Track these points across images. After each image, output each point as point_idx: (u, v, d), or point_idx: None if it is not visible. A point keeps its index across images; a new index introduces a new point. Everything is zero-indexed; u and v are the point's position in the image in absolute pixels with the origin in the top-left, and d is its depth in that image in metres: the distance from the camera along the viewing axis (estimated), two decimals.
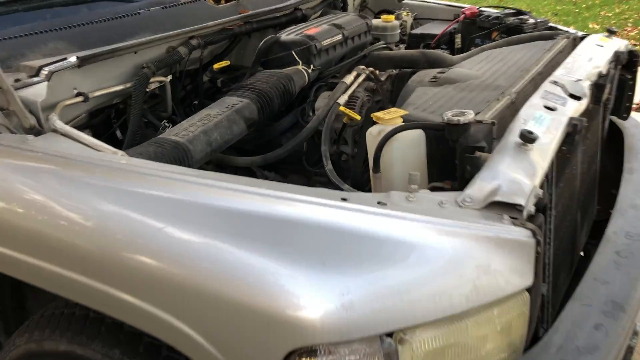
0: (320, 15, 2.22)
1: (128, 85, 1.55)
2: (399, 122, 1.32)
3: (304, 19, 2.09)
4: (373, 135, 1.33)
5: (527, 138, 1.14)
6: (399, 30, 2.22)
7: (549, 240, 1.31)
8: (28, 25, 1.50)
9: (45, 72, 1.35)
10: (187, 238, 1.02)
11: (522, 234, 1.01)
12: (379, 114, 1.33)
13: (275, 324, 0.93)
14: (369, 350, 0.93)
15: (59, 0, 1.60)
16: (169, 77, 1.64)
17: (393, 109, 1.36)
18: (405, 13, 2.42)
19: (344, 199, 1.06)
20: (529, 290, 1.04)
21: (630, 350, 1.45)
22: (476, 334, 1.00)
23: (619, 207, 1.63)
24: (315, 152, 1.63)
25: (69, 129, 1.28)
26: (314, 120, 1.55)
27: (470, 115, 1.20)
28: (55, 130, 1.27)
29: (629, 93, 2.12)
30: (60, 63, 1.38)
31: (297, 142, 1.54)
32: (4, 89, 1.25)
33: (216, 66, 1.77)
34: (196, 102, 1.79)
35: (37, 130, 1.27)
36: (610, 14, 8.17)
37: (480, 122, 1.23)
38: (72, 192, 1.13)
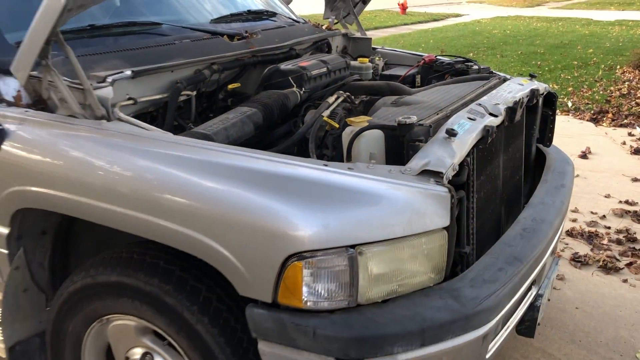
0: (310, 55, 2.78)
1: (165, 95, 2.07)
2: (365, 125, 1.84)
3: (297, 56, 2.65)
4: (347, 134, 1.85)
5: (450, 133, 1.68)
6: (372, 71, 2.78)
7: (472, 215, 1.83)
8: (95, 47, 2.01)
9: (109, 80, 1.86)
10: (217, 185, 1.51)
11: (442, 190, 1.53)
12: (352, 118, 1.86)
13: (278, 239, 1.42)
14: (338, 256, 1.43)
15: (118, 31, 2.13)
16: (194, 92, 2.16)
17: (362, 116, 1.89)
18: (377, 58, 2.99)
19: (325, 164, 1.57)
20: (446, 229, 1.54)
21: (535, 299, 1.95)
22: (409, 253, 1.50)
23: (532, 202, 2.17)
24: (303, 155, 2.14)
25: (129, 118, 1.79)
26: (304, 127, 2.07)
27: (414, 119, 1.74)
28: (119, 119, 1.77)
29: (550, 126, 2.69)
30: (120, 74, 1.90)
31: (290, 143, 2.05)
32: (85, 88, 1.75)
33: (230, 87, 2.30)
34: (212, 114, 2.30)
35: (107, 119, 1.77)
36: (569, 77, 8.96)
37: (421, 124, 1.77)
38: (136, 157, 1.62)
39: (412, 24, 18.16)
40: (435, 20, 18.80)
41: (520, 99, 2.12)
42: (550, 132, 2.69)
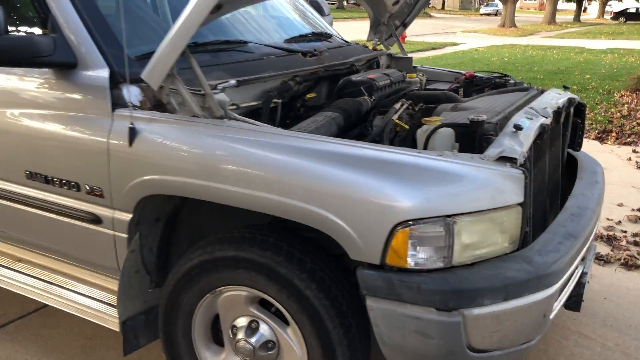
0: (366, 70, 3.15)
1: (259, 102, 2.39)
2: (439, 123, 2.18)
3: (357, 71, 3.00)
4: (422, 131, 2.18)
5: (517, 127, 2.01)
6: (419, 84, 3.13)
7: (530, 201, 2.15)
8: (198, 61, 2.35)
9: (220, 87, 2.18)
10: (333, 169, 1.83)
11: (517, 172, 1.85)
12: (427, 118, 2.20)
13: (388, 210, 1.73)
14: (437, 225, 1.74)
15: (214, 47, 2.47)
16: (280, 100, 2.49)
17: (435, 117, 2.22)
18: (421, 74, 3.34)
19: (418, 152, 1.90)
20: (520, 205, 1.86)
21: (581, 276, 2.26)
22: (492, 224, 1.81)
23: (574, 194, 2.49)
24: None
25: (242, 117, 2.11)
26: (377, 128, 2.40)
27: (484, 117, 2.07)
28: (235, 119, 2.10)
29: (580, 132, 3.04)
30: (227, 83, 2.23)
31: (368, 141, 2.38)
32: (206, 93, 2.08)
33: (308, 96, 2.63)
34: (288, 121, 2.63)
35: (224, 118, 2.09)
36: None
37: (490, 122, 2.11)
38: (258, 148, 1.94)
39: (412, 52, 18.72)
40: (433, 48, 19.36)
41: (562, 105, 2.46)
42: (579, 138, 3.03)
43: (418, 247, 1.75)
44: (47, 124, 2.32)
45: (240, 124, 2.07)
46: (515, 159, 1.88)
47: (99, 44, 2.25)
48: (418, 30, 27.82)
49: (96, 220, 2.29)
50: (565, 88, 2.88)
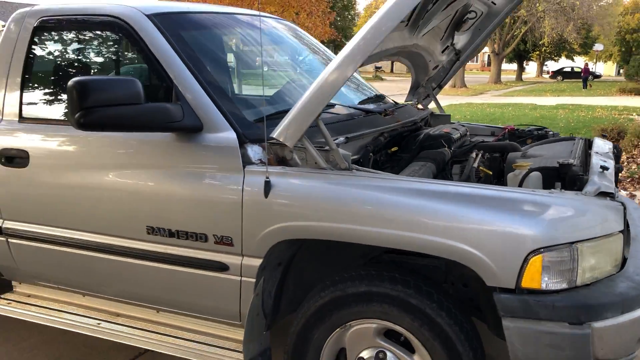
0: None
1: (358, 155, 2.69)
2: (528, 168, 2.51)
3: (420, 128, 3.35)
4: (513, 175, 2.51)
5: (604, 168, 2.37)
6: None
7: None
8: None
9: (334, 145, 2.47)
10: (464, 207, 2.12)
11: (617, 204, 2.18)
12: (517, 163, 2.53)
13: (522, 240, 2.02)
14: (564, 251, 2.04)
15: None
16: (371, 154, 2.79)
17: (524, 162, 2.56)
18: (465, 129, 3.72)
19: (533, 191, 2.21)
20: (621, 232, 2.19)
21: None
22: (604, 248, 2.13)
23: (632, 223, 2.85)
24: None
25: (363, 168, 2.40)
26: (463, 175, 2.71)
27: (572, 161, 2.42)
28: (357, 169, 2.38)
29: (618, 174, 3.44)
30: (340, 139, 2.52)
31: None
32: (332, 149, 2.37)
33: (392, 149, 2.94)
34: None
35: (348, 169, 2.36)
36: None
37: (576, 165, 2.46)
38: (389, 192, 2.22)
39: None
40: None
41: (613, 150, 2.85)
42: (617, 180, 3.43)
43: (549, 271, 2.04)
44: (172, 181, 2.54)
45: (364, 173, 2.35)
46: (613, 193, 2.22)
47: (222, 110, 2.53)
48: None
49: (222, 267, 2.49)
50: (604, 136, 3.28)
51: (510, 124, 3.67)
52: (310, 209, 2.30)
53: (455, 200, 2.16)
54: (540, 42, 41.91)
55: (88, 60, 3.02)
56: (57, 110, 2.95)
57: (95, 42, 2.99)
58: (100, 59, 3.01)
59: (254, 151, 2.47)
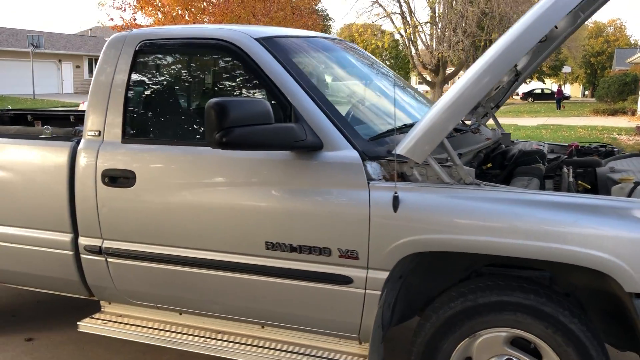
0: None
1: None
2: (632, 182, 2.66)
3: (499, 146, 3.50)
4: (620, 188, 2.65)
5: None
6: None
7: None
8: None
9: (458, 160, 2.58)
10: (602, 218, 2.24)
11: None
12: (622, 177, 2.67)
13: None
14: None
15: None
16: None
17: (626, 176, 2.71)
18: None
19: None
20: None
21: None
22: None
23: None
24: None
25: (486, 182, 2.51)
26: (563, 188, 2.84)
27: None
28: (480, 184, 2.49)
29: None
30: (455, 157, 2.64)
31: None
32: (456, 164, 2.48)
33: (486, 166, 3.07)
34: None
35: (473, 184, 2.47)
36: None
37: None
38: (515, 205, 2.33)
39: None
40: None
41: None
42: None
43: None
44: (293, 198, 2.62)
45: (493, 187, 2.46)
46: None
47: (339, 129, 2.63)
48: None
49: (346, 281, 2.57)
50: None
51: (574, 142, 3.83)
52: (442, 222, 2.40)
53: (587, 211, 2.28)
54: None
55: (194, 83, 3.10)
56: (164, 131, 3.02)
57: (202, 65, 3.07)
58: (207, 82, 3.09)
59: (373, 168, 2.57)
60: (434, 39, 31.48)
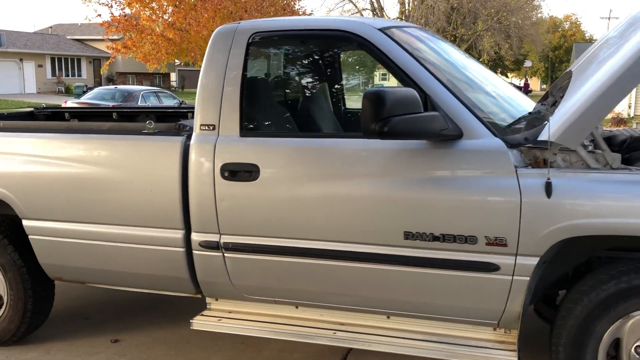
0: None
1: None
2: None
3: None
4: None
5: None
6: None
7: None
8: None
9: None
10: None
11: None
12: None
13: None
14: None
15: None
16: None
17: None
18: None
19: None
20: None
21: None
22: None
23: None
24: None
25: (632, 167, 2.56)
26: None
27: None
28: (628, 168, 2.54)
29: None
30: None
31: None
32: (604, 149, 2.53)
33: None
34: None
35: (622, 169, 2.52)
36: None
37: None
38: None
39: None
40: None
41: None
42: None
43: None
44: (434, 186, 2.63)
45: (635, 171, 2.51)
46: None
47: (478, 118, 2.65)
48: None
49: (493, 268, 2.59)
50: None
51: None
52: (598, 207, 2.44)
53: None
54: (480, 60, 43.65)
55: (315, 74, 3.07)
56: (286, 123, 2.98)
57: (322, 56, 3.04)
58: (329, 73, 3.07)
59: (514, 155, 2.60)
60: None
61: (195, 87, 3.04)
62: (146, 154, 3.10)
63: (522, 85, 42.17)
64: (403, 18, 32.34)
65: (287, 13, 18.72)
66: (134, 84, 40.85)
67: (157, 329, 3.85)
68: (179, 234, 3.07)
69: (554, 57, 65.76)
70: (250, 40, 3.00)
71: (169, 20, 17.73)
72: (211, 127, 3.00)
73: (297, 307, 3.10)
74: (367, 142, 2.72)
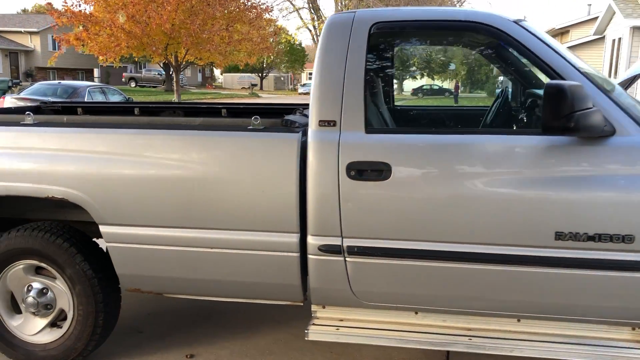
0: None
1: None
2: None
3: None
4: None
5: None
6: None
7: None
8: None
9: None
10: None
11: None
12: None
13: None
14: None
15: None
16: None
17: None
18: None
19: None
20: None
21: None
22: None
23: None
24: None
25: None
26: None
27: None
28: None
29: None
30: None
31: None
32: None
33: None
34: None
35: None
36: None
37: None
38: None
39: None
40: None
41: None
42: None
43: None
44: (589, 185, 2.55)
45: None
46: None
47: (628, 114, 2.60)
48: None
49: None
50: None
51: None
52: None
53: None
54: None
55: (447, 65, 2.92)
56: (419, 119, 2.82)
57: (449, 49, 2.90)
58: (467, 65, 2.93)
59: None
60: None
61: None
62: (257, 151, 2.84)
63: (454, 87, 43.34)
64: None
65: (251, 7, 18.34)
66: (54, 80, 38.81)
67: (231, 341, 3.58)
68: (293, 238, 2.84)
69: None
70: (372, 31, 2.82)
71: (129, 12, 16.86)
72: (332, 124, 2.79)
73: (416, 313, 2.95)
74: (511, 139, 2.62)
